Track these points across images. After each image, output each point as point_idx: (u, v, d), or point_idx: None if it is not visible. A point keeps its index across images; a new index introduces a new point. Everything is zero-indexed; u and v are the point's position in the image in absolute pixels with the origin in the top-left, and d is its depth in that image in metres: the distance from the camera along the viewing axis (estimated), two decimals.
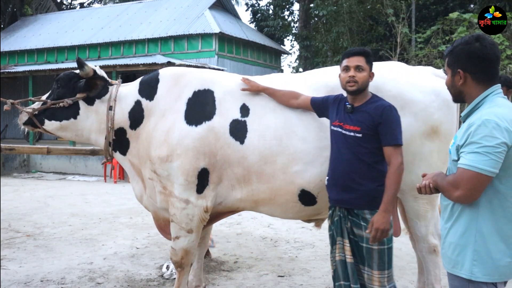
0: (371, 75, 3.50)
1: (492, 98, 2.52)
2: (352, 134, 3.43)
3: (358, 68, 3.43)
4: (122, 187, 13.57)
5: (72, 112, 4.30)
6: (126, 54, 21.85)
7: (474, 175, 2.37)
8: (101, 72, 4.42)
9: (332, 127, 3.59)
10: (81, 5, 35.93)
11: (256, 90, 4.01)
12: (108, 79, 4.46)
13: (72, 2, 36.40)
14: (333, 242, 3.60)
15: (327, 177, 3.63)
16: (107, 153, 4.33)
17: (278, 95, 3.95)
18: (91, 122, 4.32)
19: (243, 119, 3.94)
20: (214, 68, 17.59)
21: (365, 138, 3.40)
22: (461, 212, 2.51)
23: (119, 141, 4.26)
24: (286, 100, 3.91)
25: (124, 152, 4.30)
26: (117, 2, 28.70)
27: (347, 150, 3.45)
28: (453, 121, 3.96)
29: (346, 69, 3.47)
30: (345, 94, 3.65)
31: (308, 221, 4.32)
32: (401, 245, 6.64)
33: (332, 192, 3.57)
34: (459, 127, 2.70)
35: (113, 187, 13.90)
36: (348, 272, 3.47)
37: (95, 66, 4.43)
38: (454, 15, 15.31)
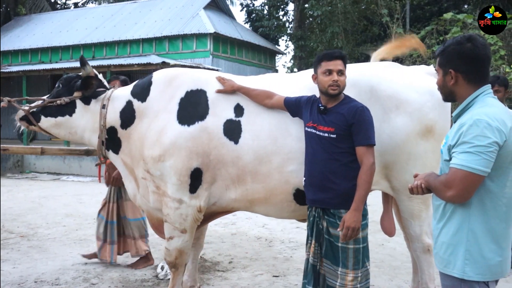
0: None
1: (483, 98, 2.54)
2: (326, 135, 3.49)
3: (340, 72, 3.49)
4: None
5: (68, 109, 4.37)
6: (120, 54, 21.81)
7: (466, 175, 2.38)
8: (103, 80, 4.53)
9: (306, 128, 3.63)
10: (75, 5, 35.82)
11: (231, 90, 4.02)
12: (107, 85, 4.54)
13: (66, 2, 36.31)
14: (306, 241, 3.70)
15: (304, 178, 3.67)
16: (100, 152, 4.35)
17: (252, 95, 3.97)
18: (86, 121, 4.36)
19: (237, 119, 3.94)
20: (208, 68, 17.58)
21: (339, 139, 3.46)
22: (453, 211, 2.53)
23: (111, 140, 4.29)
24: (261, 99, 3.94)
25: (116, 151, 4.32)
26: (111, 2, 28.65)
27: (322, 150, 3.50)
28: (447, 120, 3.97)
29: (329, 72, 3.49)
30: (317, 95, 3.69)
31: (303, 220, 4.32)
32: (396, 244, 6.66)
33: (309, 192, 3.62)
34: (451, 126, 2.72)
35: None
36: (307, 271, 3.60)
37: (99, 74, 4.54)
38: (448, 15, 15.35)
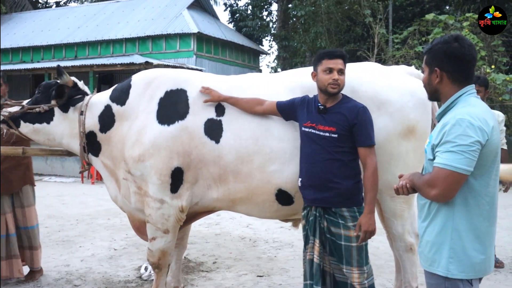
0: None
1: (466, 98, 2.56)
2: (327, 134, 3.47)
3: (340, 71, 3.48)
4: (99, 188, 13.43)
5: (46, 117, 4.40)
6: (103, 54, 21.66)
7: (449, 174, 2.40)
8: (84, 87, 4.57)
9: (303, 128, 3.61)
10: (57, 4, 35.51)
11: (218, 100, 3.98)
12: (88, 92, 4.55)
13: (48, 1, 35.96)
14: (306, 242, 3.64)
15: (299, 179, 3.66)
16: (83, 158, 4.39)
17: (241, 103, 3.92)
18: (64, 128, 4.39)
19: (218, 118, 3.94)
20: (192, 68, 17.54)
21: (341, 138, 3.45)
22: (438, 210, 2.55)
23: (91, 144, 4.31)
24: (250, 107, 3.89)
25: (96, 154, 4.34)
26: (94, 2, 28.44)
27: (322, 150, 3.48)
28: (428, 120, 4.00)
29: (329, 70, 3.47)
30: (310, 95, 3.69)
31: (286, 220, 4.34)
32: (379, 243, 6.70)
33: (308, 193, 3.59)
34: (433, 126, 2.74)
35: (90, 188, 13.77)
36: (313, 272, 3.53)
37: (80, 81, 4.60)
38: (430, 16, 15.50)
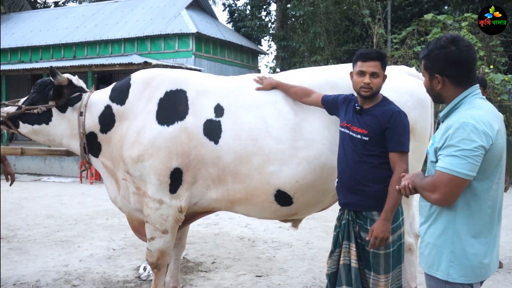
0: (384, 79, 3.43)
1: (470, 100, 2.51)
2: (359, 136, 3.37)
3: (374, 74, 3.35)
4: (98, 188, 13.43)
5: (44, 118, 4.38)
6: (102, 54, 21.63)
7: (451, 178, 2.36)
8: (79, 82, 4.52)
9: (341, 129, 3.52)
10: (56, 4, 35.46)
11: (270, 87, 3.99)
12: (85, 88, 4.53)
13: (47, 0, 35.94)
14: (336, 245, 3.50)
15: (336, 180, 3.57)
16: (84, 159, 4.38)
17: (291, 92, 3.92)
18: (63, 128, 4.38)
19: (217, 119, 3.94)
20: (191, 69, 17.54)
21: (372, 142, 3.33)
22: (439, 213, 2.52)
23: (91, 145, 4.30)
24: (300, 97, 3.88)
25: (96, 154, 4.33)
26: (92, 1, 28.40)
27: (353, 152, 3.38)
28: (427, 120, 4.00)
29: (361, 74, 3.36)
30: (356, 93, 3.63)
31: (285, 221, 4.34)
32: None
33: (340, 195, 3.52)
34: (435, 126, 2.70)
35: (89, 188, 13.76)
36: (352, 277, 3.37)
37: (74, 76, 4.56)
38: (428, 16, 15.50)
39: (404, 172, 3.19)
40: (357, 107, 3.44)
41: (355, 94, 3.52)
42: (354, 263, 3.37)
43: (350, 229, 3.42)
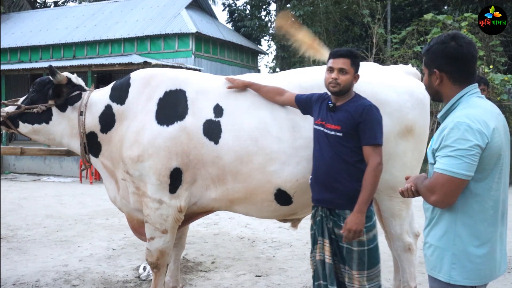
0: (355, 77, 3.51)
1: (468, 99, 2.49)
2: (333, 133, 3.44)
3: (341, 70, 3.43)
4: (98, 188, 13.43)
5: (44, 117, 4.37)
6: (101, 54, 21.62)
7: (448, 179, 2.35)
8: (78, 81, 4.51)
9: (315, 126, 3.59)
10: (56, 3, 35.44)
11: (242, 87, 4.01)
12: (84, 86, 4.50)
13: (46, 0, 35.92)
14: (314, 242, 3.60)
15: (310, 176, 3.64)
16: (84, 158, 4.38)
17: (263, 91, 3.95)
18: (63, 128, 4.37)
19: (217, 119, 3.94)
20: (190, 68, 17.53)
21: (346, 137, 3.40)
22: (441, 215, 2.50)
23: (91, 144, 4.30)
24: (272, 96, 3.91)
25: (96, 154, 4.33)
26: (92, 1, 28.38)
27: (329, 149, 3.45)
28: (427, 120, 4.01)
29: (330, 70, 3.47)
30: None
31: (284, 221, 4.34)
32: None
33: (314, 192, 3.58)
34: (435, 126, 2.69)
35: (88, 188, 13.76)
36: (326, 272, 3.48)
37: (73, 74, 4.55)
38: (428, 16, 15.51)
39: (377, 164, 3.32)
40: (330, 104, 3.53)
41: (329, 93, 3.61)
42: (328, 259, 3.48)
43: (324, 226, 3.51)
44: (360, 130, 3.38)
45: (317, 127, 3.56)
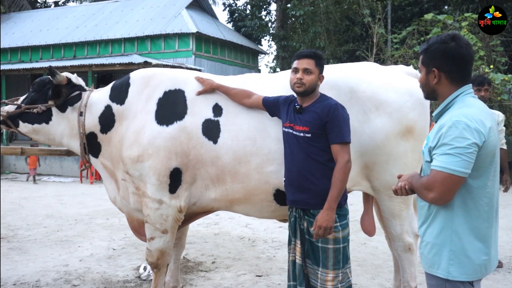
0: (320, 78, 3.54)
1: (463, 98, 2.53)
2: (302, 134, 3.46)
3: (306, 71, 3.47)
4: (98, 188, 13.44)
5: (44, 117, 4.38)
6: (102, 54, 21.65)
7: (447, 177, 2.38)
8: (78, 81, 4.51)
9: (284, 129, 3.62)
10: (56, 3, 35.47)
11: (210, 89, 4.01)
12: (84, 86, 4.50)
13: (47, 0, 35.93)
14: (289, 243, 3.65)
15: (284, 178, 3.66)
16: (84, 158, 4.38)
17: (231, 94, 3.97)
18: (63, 128, 4.38)
19: (216, 118, 3.94)
20: (191, 68, 17.54)
21: (315, 138, 3.43)
22: (437, 212, 2.53)
23: (91, 145, 4.30)
24: (239, 98, 3.93)
25: (96, 155, 4.33)
26: (92, 1, 28.39)
27: (299, 150, 3.48)
28: (426, 120, 4.01)
29: (295, 70, 3.52)
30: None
31: (284, 220, 4.33)
32: (378, 243, 6.71)
33: (288, 193, 3.60)
34: (430, 126, 2.72)
35: (89, 188, 13.77)
36: (296, 272, 3.54)
37: (73, 74, 4.55)
38: (429, 16, 15.51)
39: (346, 162, 3.35)
40: (297, 106, 3.55)
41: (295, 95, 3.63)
42: (298, 259, 3.52)
43: (297, 226, 3.54)
44: (328, 129, 3.41)
45: (286, 130, 3.59)
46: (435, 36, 2.67)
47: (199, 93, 4.02)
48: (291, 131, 3.53)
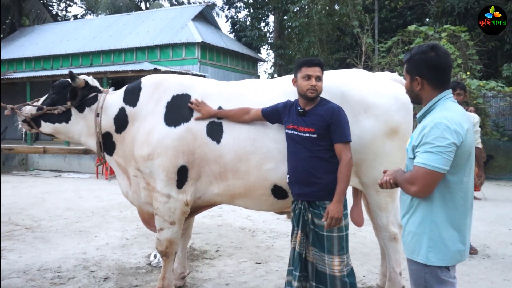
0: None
1: (444, 102, 2.56)
2: (307, 135, 3.48)
3: (318, 78, 3.50)
4: (112, 183, 13.42)
5: (64, 117, 4.38)
6: (116, 62, 21.61)
7: (428, 172, 2.41)
8: (94, 82, 4.51)
9: (287, 131, 3.62)
10: (75, 16, 35.46)
11: (208, 116, 3.93)
12: (100, 88, 4.50)
13: (67, 14, 35.91)
14: (292, 232, 3.65)
15: (288, 175, 3.64)
16: (100, 155, 4.37)
17: (230, 115, 3.90)
18: (81, 127, 4.38)
19: (219, 121, 3.93)
20: (196, 75, 17.51)
21: (320, 137, 3.46)
22: (418, 205, 2.56)
23: (106, 144, 4.29)
24: (239, 117, 3.87)
25: (110, 153, 4.32)
26: (108, 14, 28.34)
27: (305, 149, 3.48)
28: (410, 121, 4.00)
29: (308, 77, 3.50)
30: (292, 99, 3.70)
31: (281, 213, 4.34)
32: (366, 233, 6.70)
33: (294, 188, 3.60)
34: (414, 127, 2.74)
35: (104, 184, 13.75)
36: (294, 258, 3.56)
37: (89, 76, 4.55)
38: (412, 27, 15.50)
39: (349, 159, 3.41)
40: (300, 110, 3.56)
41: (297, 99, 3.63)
42: (297, 248, 3.52)
43: (300, 217, 3.54)
44: (332, 130, 3.44)
45: (290, 131, 3.59)
46: (417, 46, 2.70)
47: (197, 119, 3.93)
48: (295, 132, 3.53)
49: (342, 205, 3.42)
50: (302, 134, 3.50)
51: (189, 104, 4.00)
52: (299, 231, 3.54)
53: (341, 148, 3.44)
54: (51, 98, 4.45)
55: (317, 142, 3.46)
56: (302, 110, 3.55)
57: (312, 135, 3.47)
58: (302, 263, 3.54)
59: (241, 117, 3.88)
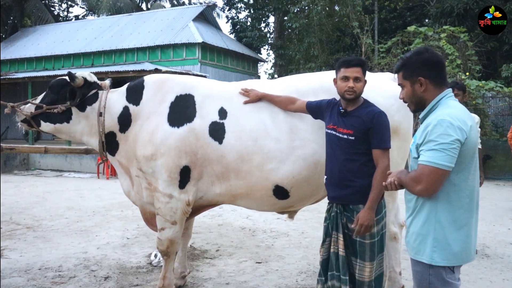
0: (364, 83, 3.43)
1: (446, 101, 2.55)
2: (345, 137, 3.35)
3: (356, 79, 3.35)
4: (113, 183, 13.41)
5: (65, 117, 4.31)
6: (117, 62, 21.61)
7: (433, 170, 2.38)
8: (92, 78, 4.42)
9: (327, 130, 3.51)
10: (76, 17, 35.45)
11: (256, 99, 3.93)
12: (99, 82, 4.44)
13: (68, 14, 35.91)
14: (327, 235, 3.48)
15: (325, 176, 3.54)
16: (102, 154, 4.33)
17: (276, 101, 3.88)
18: (83, 126, 4.33)
19: (221, 121, 3.92)
20: (197, 75, 17.50)
21: (357, 141, 3.32)
22: (423, 204, 2.53)
23: (109, 143, 4.25)
24: (284, 105, 3.84)
25: (113, 153, 4.29)
26: (109, 15, 28.34)
27: (341, 151, 3.37)
28: (410, 121, 3.99)
29: (345, 78, 3.35)
30: (304, 98, 3.64)
31: (282, 212, 4.32)
32: None
33: (329, 190, 3.49)
34: (414, 127, 2.73)
35: (105, 183, 13.74)
36: (340, 264, 3.37)
37: (88, 72, 4.47)
38: (411, 28, 15.52)
39: (386, 166, 3.24)
40: (341, 110, 3.44)
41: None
42: (341, 252, 3.37)
43: (338, 221, 3.40)
44: (371, 135, 3.30)
45: (329, 131, 3.47)
46: (406, 53, 2.71)
47: (246, 103, 3.94)
48: (334, 132, 3.42)
49: (373, 213, 3.27)
50: (341, 136, 3.37)
51: (239, 92, 4.00)
52: (340, 235, 3.38)
53: (379, 154, 3.29)
54: (50, 97, 4.37)
55: (355, 145, 3.33)
56: (343, 111, 3.42)
57: (350, 137, 3.33)
58: (346, 266, 3.38)
59: (287, 105, 3.83)
